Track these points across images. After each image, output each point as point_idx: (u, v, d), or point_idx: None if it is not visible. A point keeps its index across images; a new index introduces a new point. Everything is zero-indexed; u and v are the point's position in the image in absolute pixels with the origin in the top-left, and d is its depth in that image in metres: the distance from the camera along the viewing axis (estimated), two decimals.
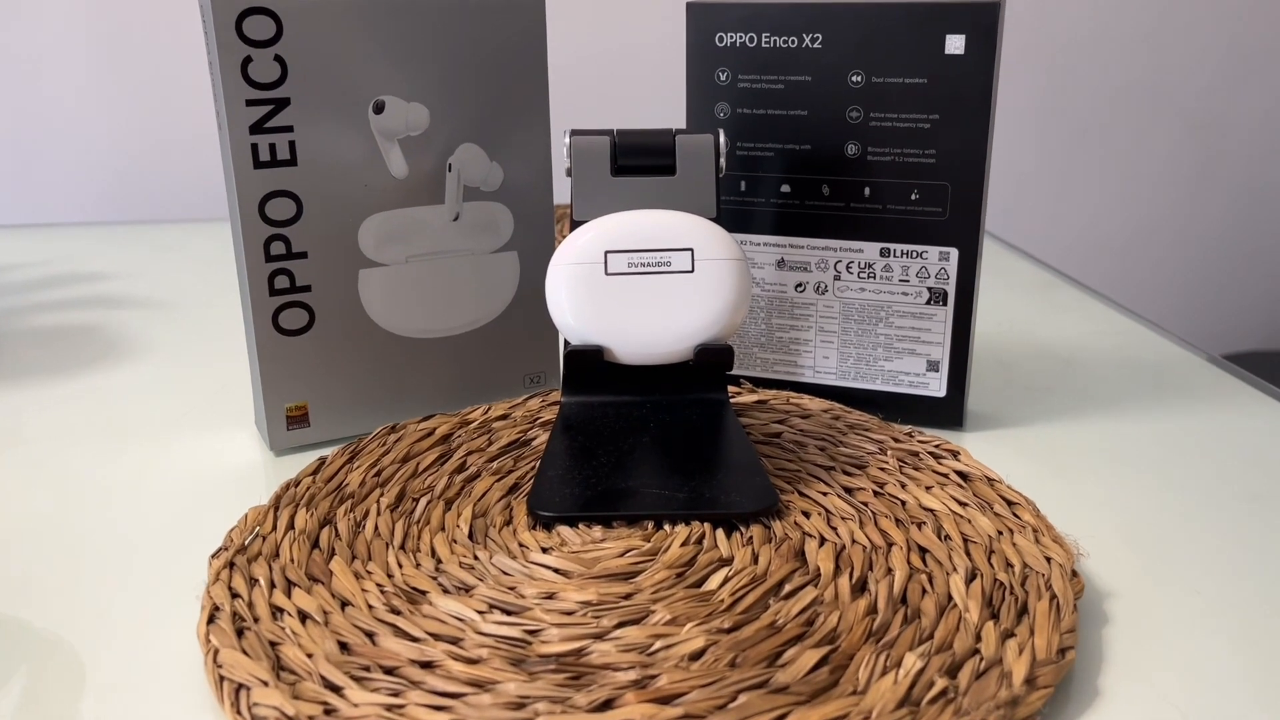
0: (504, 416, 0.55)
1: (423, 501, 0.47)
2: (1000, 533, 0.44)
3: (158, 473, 0.53)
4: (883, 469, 0.49)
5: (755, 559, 0.42)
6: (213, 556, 0.42)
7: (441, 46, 0.53)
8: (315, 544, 0.43)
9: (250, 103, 0.50)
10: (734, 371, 0.60)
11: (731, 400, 0.56)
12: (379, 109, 0.53)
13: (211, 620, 0.38)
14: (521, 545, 0.43)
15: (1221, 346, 1.58)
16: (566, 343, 0.48)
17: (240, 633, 0.38)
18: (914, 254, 0.55)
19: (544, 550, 0.43)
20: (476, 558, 0.42)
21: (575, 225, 0.49)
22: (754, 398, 0.57)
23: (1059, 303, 0.79)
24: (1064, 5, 1.38)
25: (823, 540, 0.43)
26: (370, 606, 0.39)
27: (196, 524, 0.48)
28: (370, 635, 0.38)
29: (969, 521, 0.45)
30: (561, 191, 1.15)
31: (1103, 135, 1.46)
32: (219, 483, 0.52)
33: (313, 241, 0.53)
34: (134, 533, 0.47)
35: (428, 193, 0.55)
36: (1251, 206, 1.52)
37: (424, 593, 0.40)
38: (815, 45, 0.54)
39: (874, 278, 0.56)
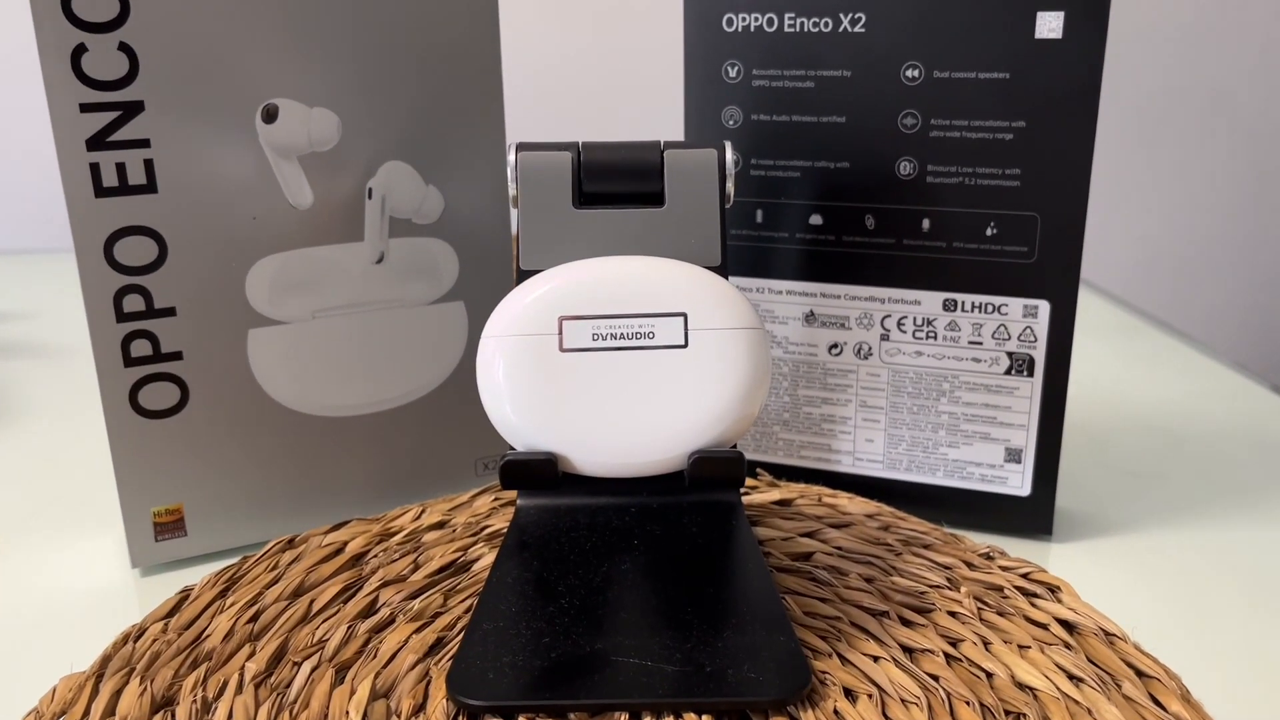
0: (440, 524, 0.41)
1: (306, 667, 0.33)
2: None
3: None
4: (954, 614, 0.35)
5: None
6: None
7: (356, 32, 0.40)
8: None
9: (87, 107, 0.37)
10: (750, 457, 0.46)
11: (744, 500, 0.43)
12: (270, 116, 0.39)
13: None
14: None
15: None
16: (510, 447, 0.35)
17: None
18: (990, 308, 0.41)
19: None
20: None
21: (522, 277, 0.35)
22: (775, 495, 0.43)
23: (1149, 354, 0.65)
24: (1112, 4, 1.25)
25: None
26: None
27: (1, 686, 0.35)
28: None
29: (1089, 713, 0.31)
30: None
31: (1154, 145, 1.32)
32: (55, 616, 0.39)
33: (183, 294, 0.40)
34: None
35: (341, 227, 0.42)
36: None
37: None
38: (857, 29, 0.40)
39: (935, 338, 0.42)
